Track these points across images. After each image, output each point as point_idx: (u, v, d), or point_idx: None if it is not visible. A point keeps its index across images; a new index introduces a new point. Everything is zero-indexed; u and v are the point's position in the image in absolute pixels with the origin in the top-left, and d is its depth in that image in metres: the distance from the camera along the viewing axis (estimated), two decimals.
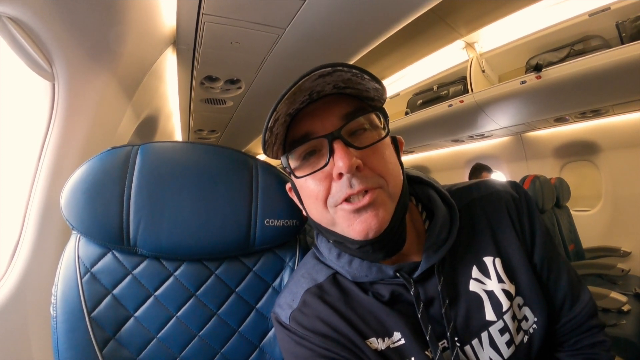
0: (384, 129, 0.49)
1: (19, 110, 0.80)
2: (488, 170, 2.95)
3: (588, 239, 2.48)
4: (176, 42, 1.35)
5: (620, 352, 1.39)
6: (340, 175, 0.44)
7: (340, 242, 0.50)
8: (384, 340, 0.48)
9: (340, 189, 0.45)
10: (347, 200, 0.45)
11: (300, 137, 0.47)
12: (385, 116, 0.50)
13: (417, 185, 0.59)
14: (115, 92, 1.02)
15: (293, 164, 0.49)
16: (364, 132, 0.48)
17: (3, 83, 0.77)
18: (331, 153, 0.44)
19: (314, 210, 0.50)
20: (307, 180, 0.48)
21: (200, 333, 0.61)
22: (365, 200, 0.44)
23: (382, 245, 0.47)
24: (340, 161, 0.42)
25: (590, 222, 2.68)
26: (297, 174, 0.48)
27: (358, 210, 0.44)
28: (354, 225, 0.45)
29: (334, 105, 0.47)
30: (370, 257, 0.50)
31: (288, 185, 0.58)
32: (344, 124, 0.46)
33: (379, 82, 0.46)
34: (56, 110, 0.79)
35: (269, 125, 0.44)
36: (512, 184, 0.61)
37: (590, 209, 2.75)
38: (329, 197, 0.46)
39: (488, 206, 0.57)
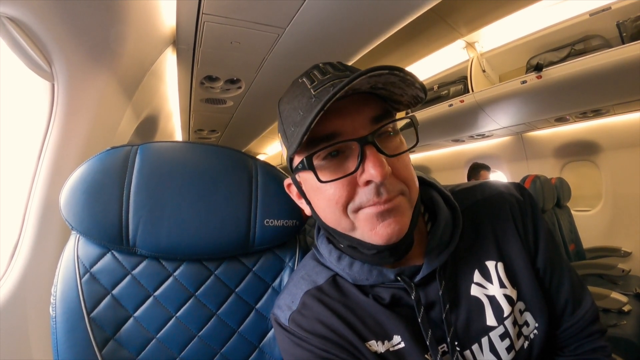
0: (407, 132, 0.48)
1: (18, 110, 0.80)
2: (486, 168, 2.96)
3: (588, 239, 2.48)
4: (176, 41, 1.34)
5: (621, 353, 1.38)
6: (368, 182, 0.42)
7: (354, 247, 0.49)
8: (383, 343, 0.48)
9: (365, 195, 0.43)
10: (370, 205, 0.44)
11: (325, 135, 0.43)
12: (417, 125, 0.48)
13: (419, 186, 0.58)
14: (115, 91, 1.02)
15: (315, 163, 0.44)
16: (389, 136, 0.46)
17: (3, 83, 0.77)
18: (362, 158, 0.42)
19: (330, 215, 0.48)
20: (327, 184, 0.44)
21: (200, 333, 0.61)
22: (389, 204, 0.43)
23: (398, 249, 0.47)
24: (373, 169, 0.41)
25: (591, 222, 2.68)
26: (321, 177, 0.44)
27: (382, 214, 0.43)
28: (377, 229, 0.44)
29: (363, 105, 0.45)
30: (382, 262, 0.49)
31: (287, 181, 0.56)
32: (377, 128, 0.44)
33: (425, 92, 0.44)
34: (56, 110, 0.79)
35: (312, 127, 0.39)
36: (517, 185, 0.59)
37: (590, 209, 2.75)
38: (350, 202, 0.44)
39: (491, 209, 0.56)
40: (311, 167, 0.44)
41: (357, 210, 0.45)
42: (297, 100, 0.46)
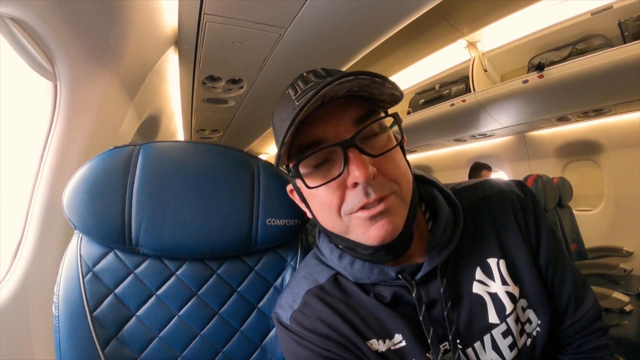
0: (391, 130, 0.49)
1: (21, 110, 0.80)
2: (487, 168, 2.95)
3: (590, 238, 2.47)
4: (178, 41, 1.35)
5: (623, 353, 1.38)
6: (356, 184, 0.43)
7: (351, 248, 0.50)
8: (384, 342, 0.48)
9: (356, 197, 0.44)
10: (362, 207, 0.44)
11: (310, 143, 0.45)
12: (400, 122, 0.49)
13: (420, 184, 0.58)
14: (117, 91, 1.02)
15: (303, 171, 0.46)
16: (375, 136, 0.46)
17: (5, 83, 0.77)
18: (346, 162, 0.43)
19: (326, 218, 0.48)
20: (319, 189, 0.46)
21: (202, 332, 0.61)
22: (381, 207, 0.43)
23: (394, 249, 0.47)
24: (356, 171, 0.41)
25: (593, 221, 2.67)
26: (309, 183, 0.46)
27: (374, 217, 0.44)
28: (370, 232, 0.44)
29: (345, 109, 0.45)
30: (380, 260, 0.50)
31: (289, 187, 0.57)
32: (358, 130, 0.44)
33: (399, 90, 0.45)
34: (58, 110, 0.79)
35: (286, 140, 0.41)
36: (518, 183, 0.59)
37: (592, 209, 2.74)
38: (343, 205, 0.45)
39: (493, 206, 0.56)
40: (298, 175, 0.46)
41: (350, 213, 0.45)
42: (284, 111, 0.47)
